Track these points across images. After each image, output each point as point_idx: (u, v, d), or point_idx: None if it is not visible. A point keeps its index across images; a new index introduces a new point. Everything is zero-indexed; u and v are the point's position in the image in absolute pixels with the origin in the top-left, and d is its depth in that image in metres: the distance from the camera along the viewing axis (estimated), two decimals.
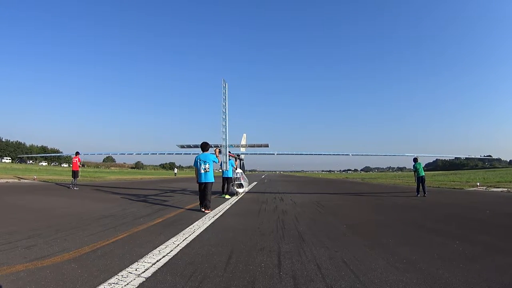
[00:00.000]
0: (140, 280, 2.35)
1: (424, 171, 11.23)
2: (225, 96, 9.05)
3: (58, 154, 71.42)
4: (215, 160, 6.82)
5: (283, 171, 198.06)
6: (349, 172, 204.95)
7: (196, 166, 6.77)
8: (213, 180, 6.71)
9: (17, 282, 2.27)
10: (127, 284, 2.26)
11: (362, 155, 16.49)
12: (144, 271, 2.54)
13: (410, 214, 6.68)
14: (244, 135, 16.98)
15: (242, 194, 11.09)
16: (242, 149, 15.53)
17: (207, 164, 6.61)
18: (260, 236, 4.09)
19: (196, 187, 6.72)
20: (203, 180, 6.59)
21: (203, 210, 6.36)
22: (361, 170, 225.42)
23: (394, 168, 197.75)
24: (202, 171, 6.60)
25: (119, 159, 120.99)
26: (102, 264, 2.72)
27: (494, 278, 2.47)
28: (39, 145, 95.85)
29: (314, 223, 5.18)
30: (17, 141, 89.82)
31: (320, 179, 45.74)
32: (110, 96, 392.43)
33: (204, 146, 6.91)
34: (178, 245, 3.47)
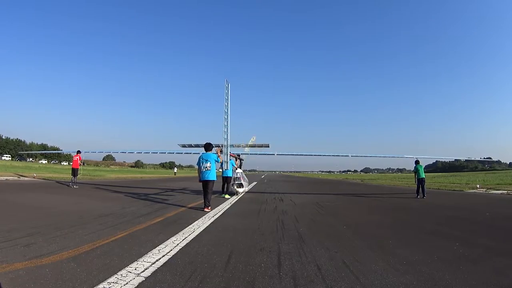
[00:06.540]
0: (140, 279, 2.34)
1: (424, 173, 11.24)
2: (228, 96, 9.04)
3: (58, 151, 71.32)
4: (217, 159, 7.08)
5: (282, 171, 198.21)
6: (348, 173, 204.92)
7: (199, 165, 7.05)
8: (215, 178, 6.95)
9: (16, 280, 2.26)
10: (127, 283, 2.25)
11: (361, 156, 16.52)
12: (144, 271, 2.53)
13: (410, 215, 6.67)
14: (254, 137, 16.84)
15: (242, 194, 11.09)
16: (246, 149, 15.49)
17: (209, 162, 6.88)
18: (260, 236, 4.08)
19: (196, 186, 6.80)
20: (204, 178, 6.82)
21: (205, 209, 6.49)
22: (361, 171, 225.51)
23: (393, 169, 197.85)
24: (203, 169, 6.87)
25: (119, 158, 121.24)
26: (101, 263, 2.71)
27: (494, 280, 2.46)
28: (39, 142, 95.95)
29: (314, 224, 5.18)
30: (17, 138, 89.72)
31: (319, 179, 45.77)
32: (110, 94, 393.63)
33: (207, 147, 7.22)
34: (177, 244, 3.46)
